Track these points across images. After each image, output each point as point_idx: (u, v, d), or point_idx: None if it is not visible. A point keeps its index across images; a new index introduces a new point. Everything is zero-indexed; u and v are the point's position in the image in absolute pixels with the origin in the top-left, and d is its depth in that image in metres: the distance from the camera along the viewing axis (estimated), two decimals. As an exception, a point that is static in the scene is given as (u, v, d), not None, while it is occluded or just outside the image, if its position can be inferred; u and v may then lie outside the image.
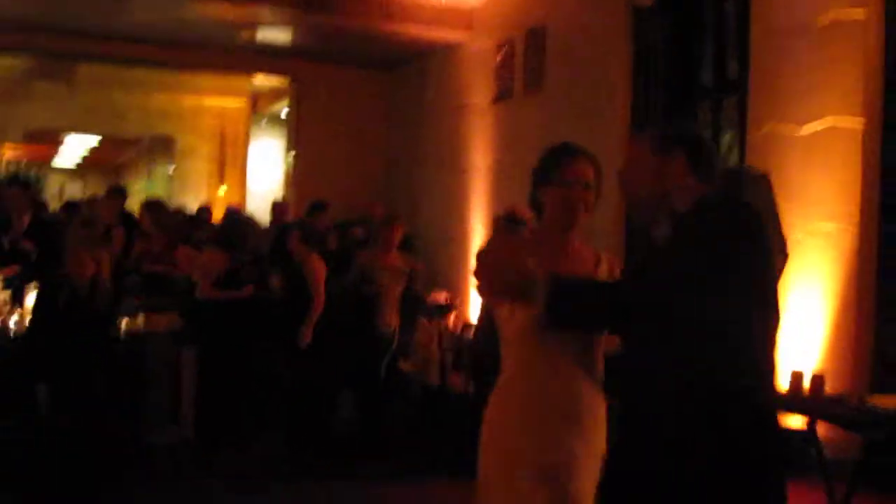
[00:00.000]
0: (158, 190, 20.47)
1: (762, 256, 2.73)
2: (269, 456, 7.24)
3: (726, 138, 7.93)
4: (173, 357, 7.39)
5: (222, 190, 18.92)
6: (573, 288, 2.72)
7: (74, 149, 23.43)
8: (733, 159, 7.59)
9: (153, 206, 8.86)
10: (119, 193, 10.15)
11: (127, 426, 7.03)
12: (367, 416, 7.70)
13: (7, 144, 21.75)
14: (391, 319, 7.83)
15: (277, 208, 11.35)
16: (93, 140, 21.80)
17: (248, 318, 7.20)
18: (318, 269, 7.65)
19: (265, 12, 11.36)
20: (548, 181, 3.25)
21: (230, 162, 19.19)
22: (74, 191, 26.13)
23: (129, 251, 8.66)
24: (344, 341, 7.70)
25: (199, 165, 19.48)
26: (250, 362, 7.21)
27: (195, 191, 18.85)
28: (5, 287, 7.40)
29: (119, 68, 16.48)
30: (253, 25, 12.03)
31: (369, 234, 9.17)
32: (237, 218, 8.36)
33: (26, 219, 7.99)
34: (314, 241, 7.84)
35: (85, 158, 25.26)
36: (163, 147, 20.68)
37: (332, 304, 7.70)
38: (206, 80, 17.50)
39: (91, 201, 11.67)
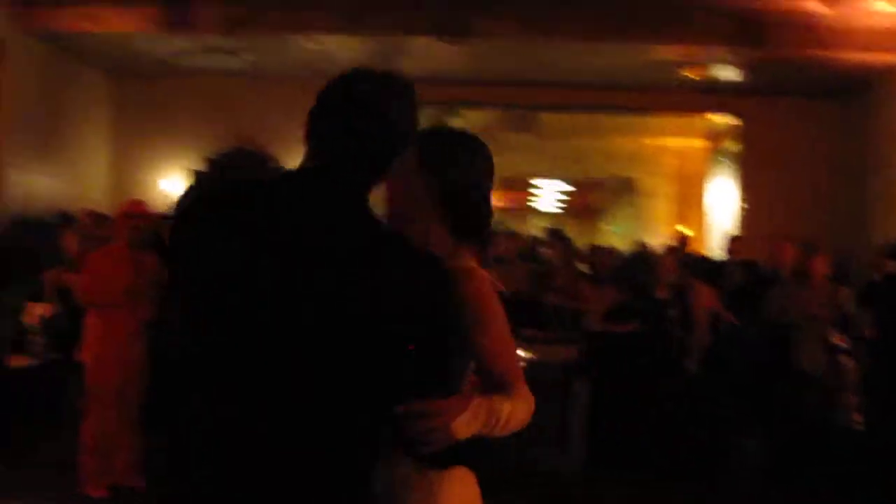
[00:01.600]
0: (622, 231, 21.04)
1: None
2: (656, 486, 7.26)
3: None
4: (561, 386, 7.66)
5: (684, 228, 19.00)
6: None
7: (548, 194, 24.68)
8: None
9: (556, 237, 9.27)
10: (555, 236, 10.66)
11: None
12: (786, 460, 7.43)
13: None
14: (817, 358, 7.49)
15: (733, 242, 11.01)
16: (561, 185, 22.95)
17: (637, 351, 7.31)
18: (702, 297, 7.60)
19: (709, 51, 11.53)
20: None
21: (689, 201, 19.23)
22: (556, 235, 27.55)
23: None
24: (761, 379, 7.56)
25: (660, 205, 19.69)
26: (643, 393, 7.29)
27: (656, 230, 19.11)
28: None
29: (581, 115, 17.27)
30: (697, 64, 12.20)
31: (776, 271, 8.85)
32: (627, 255, 8.48)
33: None
34: (696, 269, 7.82)
35: (564, 202, 26.53)
36: (626, 189, 21.20)
37: (744, 341, 7.60)
38: (665, 121, 17.76)
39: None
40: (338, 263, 1.95)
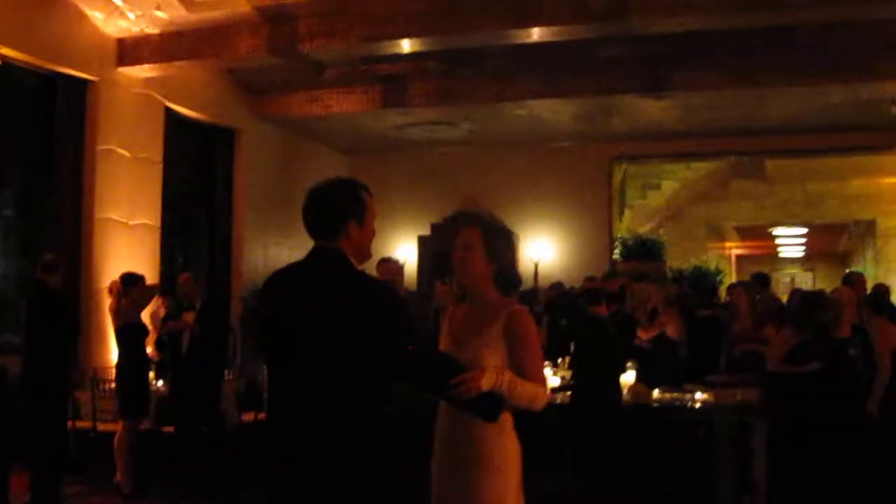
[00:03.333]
0: (868, 274, 20.33)
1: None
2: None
3: None
4: (738, 429, 7.72)
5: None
6: None
7: (787, 241, 24.03)
8: None
9: (757, 282, 9.44)
10: (757, 281, 10.74)
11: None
12: None
13: (728, 241, 23.32)
14: None
15: None
16: (797, 231, 22.24)
17: (818, 392, 7.28)
18: (885, 335, 7.49)
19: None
20: None
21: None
22: (804, 281, 26.87)
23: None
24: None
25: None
26: (823, 436, 7.26)
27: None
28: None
29: (809, 160, 17.04)
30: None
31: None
32: (805, 296, 8.41)
33: None
34: (879, 305, 7.76)
35: (808, 249, 25.78)
36: (868, 232, 20.46)
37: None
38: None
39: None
40: (330, 306, 3.16)
